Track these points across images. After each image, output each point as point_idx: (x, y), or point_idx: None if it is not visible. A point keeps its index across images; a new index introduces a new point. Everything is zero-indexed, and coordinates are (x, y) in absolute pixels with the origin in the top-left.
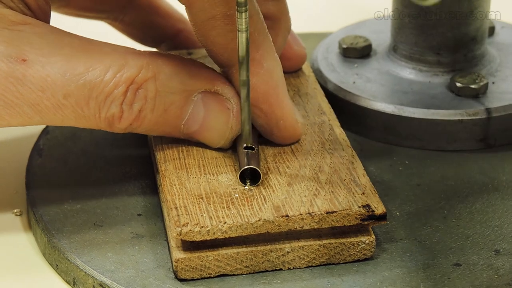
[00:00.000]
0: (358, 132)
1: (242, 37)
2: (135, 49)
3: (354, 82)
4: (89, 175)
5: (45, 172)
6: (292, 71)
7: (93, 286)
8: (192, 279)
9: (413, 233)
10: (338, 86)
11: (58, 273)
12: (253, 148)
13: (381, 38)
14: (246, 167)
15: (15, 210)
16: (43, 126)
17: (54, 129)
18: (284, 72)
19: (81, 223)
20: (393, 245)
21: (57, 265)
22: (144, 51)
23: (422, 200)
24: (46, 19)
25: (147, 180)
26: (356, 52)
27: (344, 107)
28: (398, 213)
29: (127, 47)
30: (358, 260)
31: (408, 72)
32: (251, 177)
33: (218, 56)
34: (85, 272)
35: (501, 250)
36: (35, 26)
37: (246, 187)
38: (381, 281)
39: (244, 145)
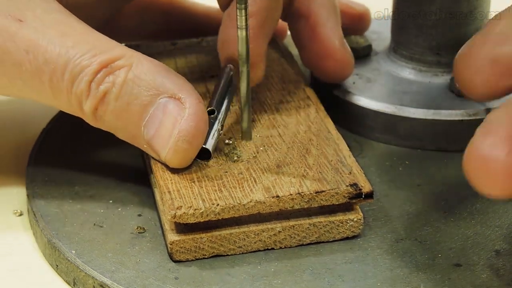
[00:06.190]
0: (358, 132)
1: (242, 34)
2: (127, 46)
3: (354, 83)
4: (89, 175)
5: (45, 172)
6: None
7: (93, 287)
8: (187, 260)
9: (414, 233)
10: (338, 86)
11: (58, 274)
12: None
13: (381, 38)
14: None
15: (15, 210)
16: (43, 126)
17: (54, 129)
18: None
19: (81, 223)
20: (393, 245)
21: (57, 266)
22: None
23: (422, 200)
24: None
25: (147, 180)
26: (357, 52)
27: (344, 107)
28: (398, 213)
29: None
30: (359, 261)
31: (408, 72)
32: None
33: None
34: (85, 273)
35: (502, 250)
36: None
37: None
38: (382, 282)
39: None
